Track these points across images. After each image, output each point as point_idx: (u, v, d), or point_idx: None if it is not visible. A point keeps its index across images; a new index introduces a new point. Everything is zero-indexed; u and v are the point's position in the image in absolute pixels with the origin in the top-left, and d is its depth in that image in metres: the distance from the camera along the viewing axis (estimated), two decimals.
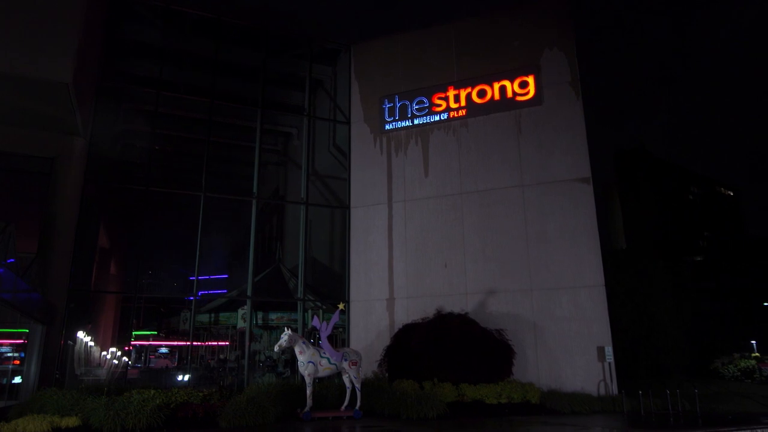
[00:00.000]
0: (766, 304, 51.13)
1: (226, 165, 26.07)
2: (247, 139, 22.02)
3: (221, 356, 25.42)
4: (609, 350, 16.77)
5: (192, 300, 19.13)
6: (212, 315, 22.03)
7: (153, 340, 31.86)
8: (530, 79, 19.72)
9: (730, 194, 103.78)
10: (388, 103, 21.45)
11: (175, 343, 29.50)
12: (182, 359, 26.70)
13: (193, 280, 18.82)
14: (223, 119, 23.04)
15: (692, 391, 13.89)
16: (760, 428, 12.20)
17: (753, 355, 25.39)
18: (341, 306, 15.15)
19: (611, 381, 16.54)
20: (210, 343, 26.05)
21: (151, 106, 20.26)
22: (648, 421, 12.76)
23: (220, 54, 21.34)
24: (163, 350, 31.65)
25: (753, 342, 26.74)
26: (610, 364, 16.68)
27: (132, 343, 32.00)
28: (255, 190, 20.53)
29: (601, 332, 17.09)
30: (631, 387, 14.80)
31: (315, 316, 15.29)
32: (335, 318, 14.65)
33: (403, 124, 21.12)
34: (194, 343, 20.65)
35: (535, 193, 18.88)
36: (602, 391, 16.45)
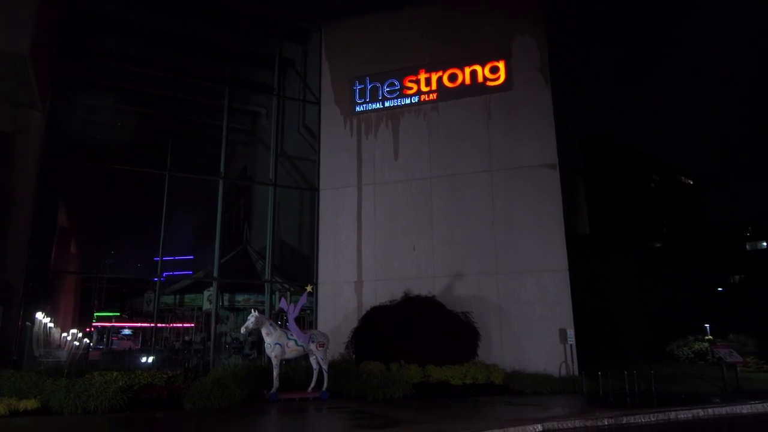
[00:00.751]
0: (720, 289, 53.27)
1: (192, 144, 25.52)
2: (215, 117, 21.56)
3: (186, 338, 25.13)
4: (571, 333, 17.22)
5: (156, 281, 18.77)
6: (177, 296, 21.70)
7: (115, 322, 31.25)
8: (501, 65, 19.81)
9: (690, 183, 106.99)
10: (359, 84, 21.26)
11: (139, 324, 29.01)
12: (146, 341, 26.29)
13: (158, 260, 18.46)
14: (190, 96, 22.49)
15: (649, 372, 14.40)
16: (710, 407, 12.77)
17: (706, 338, 26.44)
18: (309, 288, 15.12)
19: (572, 362, 17.01)
20: (175, 324, 25.71)
21: (114, 81, 19.58)
22: (606, 401, 13.20)
23: (187, 29, 20.74)
24: (126, 332, 31.11)
25: (707, 326, 27.83)
26: (571, 346, 17.13)
27: (93, 324, 31.34)
28: (222, 169, 20.17)
29: (564, 315, 17.52)
30: (592, 368, 15.26)
31: (282, 298, 15.24)
32: (303, 300, 14.60)
33: (374, 106, 21.00)
34: (158, 324, 20.36)
35: (503, 178, 19.09)
36: (563, 372, 16.92)
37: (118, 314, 31.27)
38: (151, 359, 18.84)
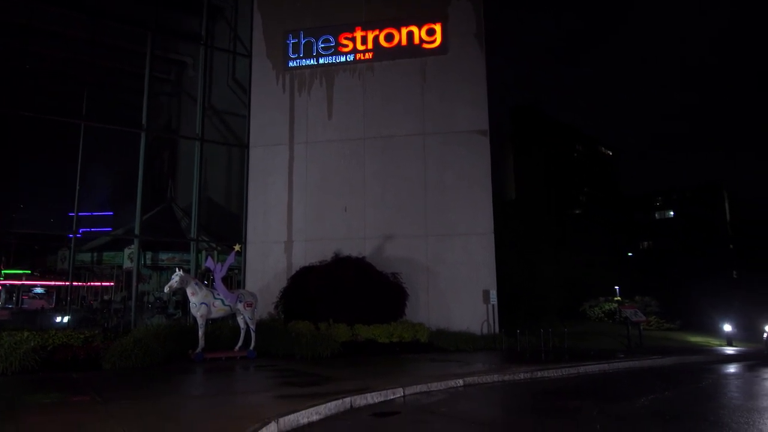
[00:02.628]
0: (630, 254, 57.17)
1: (111, 92, 23.85)
2: (137, 65, 20.15)
3: (105, 297, 24.09)
4: (493, 294, 17.98)
5: (71, 237, 17.71)
6: (95, 254, 20.62)
7: (26, 280, 29.41)
8: (437, 27, 19.73)
9: (609, 154, 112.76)
10: (293, 39, 20.55)
11: (53, 283, 27.45)
12: (61, 300, 24.96)
13: (73, 216, 17.39)
14: (110, 41, 20.90)
15: (562, 331, 15.36)
16: (615, 361, 13.87)
17: (615, 299, 28.46)
18: (237, 248, 14.82)
19: (494, 322, 17.83)
20: (93, 283, 24.53)
21: (25, 20, 17.81)
22: (522, 357, 14.00)
23: None
24: (38, 290, 29.39)
25: (617, 288, 29.91)
26: (493, 306, 17.92)
27: (1, 282, 29.37)
28: (144, 121, 19.05)
29: (488, 277, 18.22)
30: (512, 327, 16.08)
31: (209, 257, 14.84)
32: (230, 259, 14.32)
33: (308, 62, 20.42)
34: (74, 283, 19.32)
35: (436, 142, 19.29)
36: (485, 331, 17.72)
37: (29, 272, 29.41)
38: (66, 319, 17.94)
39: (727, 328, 19.94)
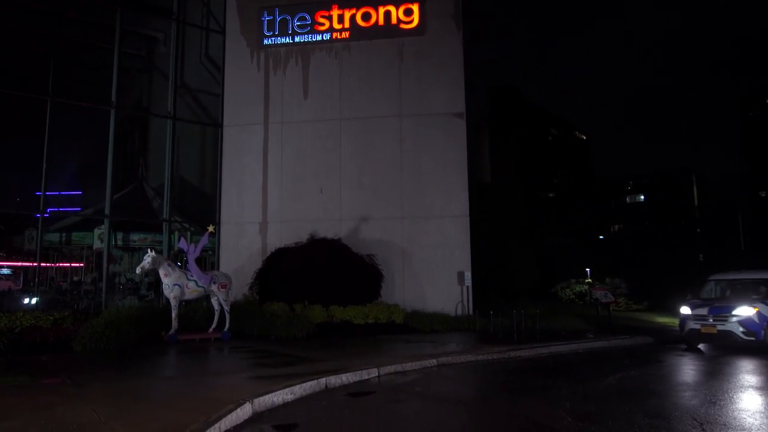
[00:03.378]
0: (601, 237, 58.24)
1: (79, 68, 23.08)
2: (106, 40, 19.51)
3: (75, 278, 23.60)
4: (468, 275, 18.17)
5: (39, 217, 17.24)
6: (64, 234, 20.12)
7: None
8: (415, 7, 19.55)
9: (583, 138, 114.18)
10: (268, 15, 20.14)
11: (20, 263, 26.77)
12: (29, 281, 24.38)
13: (40, 195, 16.91)
14: (77, 15, 20.17)
15: (534, 312, 15.65)
16: (584, 342, 14.22)
17: (586, 281, 29.07)
18: (211, 228, 14.64)
19: (468, 302, 18.06)
20: (62, 264, 23.99)
21: None
22: (496, 337, 14.23)
23: None
24: (5, 271, 28.64)
25: (587, 270, 30.53)
26: (468, 287, 18.13)
27: None
28: (114, 98, 18.51)
29: (463, 259, 18.40)
30: (485, 308, 16.29)
31: (182, 238, 14.66)
32: (204, 240, 14.14)
33: (283, 40, 20.07)
34: (42, 264, 18.87)
35: (412, 124, 19.23)
36: (459, 312, 17.94)
37: None
38: (35, 301, 17.54)
39: None
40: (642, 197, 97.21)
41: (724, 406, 7.26)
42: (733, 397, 7.90)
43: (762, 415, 6.93)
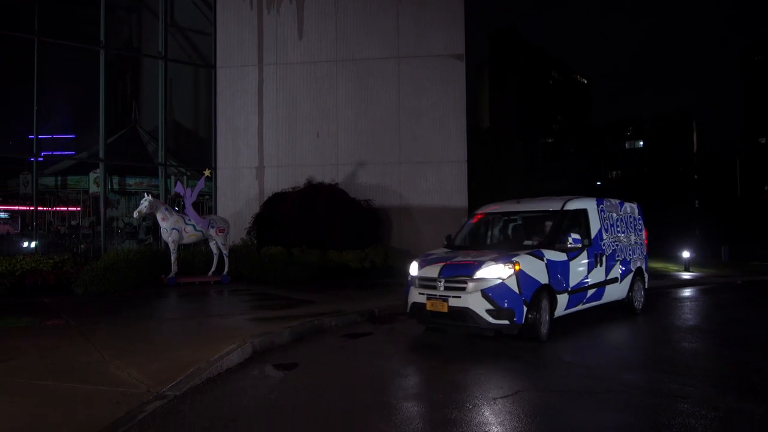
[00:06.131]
0: (599, 183, 58.32)
1: (66, 5, 22.23)
2: None
3: (73, 222, 23.62)
4: (465, 220, 18.21)
5: (33, 161, 17.07)
6: (59, 178, 19.98)
7: None
8: None
9: (584, 82, 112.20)
10: None
11: (16, 207, 26.69)
12: (26, 225, 24.42)
13: (32, 138, 16.67)
14: None
15: None
16: None
17: None
18: (207, 173, 14.60)
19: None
20: (59, 208, 23.94)
21: None
22: None
23: None
24: (2, 215, 28.62)
25: None
26: None
27: None
28: (102, 38, 17.95)
29: (460, 204, 18.43)
30: None
31: (178, 182, 14.61)
32: (200, 185, 14.11)
33: None
34: (39, 208, 18.82)
35: (411, 67, 18.79)
36: None
37: None
38: (33, 244, 17.63)
39: (686, 254, 20.83)
40: (641, 143, 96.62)
41: None
42: None
43: None
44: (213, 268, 13.95)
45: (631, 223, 10.51)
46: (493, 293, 7.27)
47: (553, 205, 9.01)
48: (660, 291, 14.44)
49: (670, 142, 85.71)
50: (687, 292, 14.73)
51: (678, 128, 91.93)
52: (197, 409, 4.82)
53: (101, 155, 17.84)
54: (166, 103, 19.25)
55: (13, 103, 21.07)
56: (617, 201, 10.39)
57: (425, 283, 7.92)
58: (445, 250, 8.92)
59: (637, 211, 10.98)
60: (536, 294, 7.48)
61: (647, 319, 10.00)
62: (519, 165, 30.16)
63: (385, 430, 4.37)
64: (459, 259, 7.97)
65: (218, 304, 11.37)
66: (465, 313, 7.39)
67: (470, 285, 7.41)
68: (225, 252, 13.89)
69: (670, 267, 21.44)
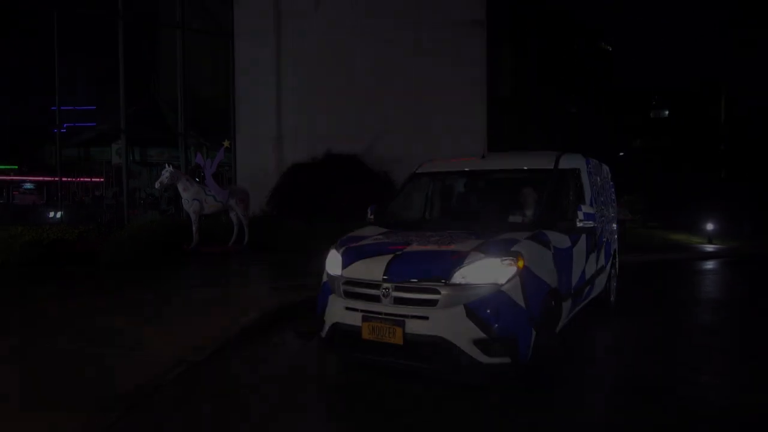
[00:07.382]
0: (621, 154, 57.21)
1: None
2: None
3: (97, 193, 24.05)
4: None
5: (56, 132, 17.30)
6: (82, 149, 20.29)
7: (14, 175, 29.13)
8: None
9: (609, 50, 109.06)
10: None
11: (42, 178, 27.24)
12: (51, 196, 24.93)
13: (55, 110, 16.86)
14: None
15: None
16: None
17: None
18: (226, 143, 14.64)
19: None
20: (82, 179, 24.36)
21: None
22: None
23: None
24: (28, 185, 29.26)
25: None
26: None
27: None
28: (120, 7, 17.92)
29: None
30: None
31: (198, 154, 14.72)
32: (220, 156, 14.19)
33: None
34: (64, 179, 19.17)
35: (430, 33, 18.40)
36: None
37: (16, 167, 29.05)
38: (59, 214, 18.03)
39: (709, 226, 20.44)
40: (666, 112, 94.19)
41: None
42: None
43: None
44: (234, 238, 14.12)
45: (609, 190, 8.03)
46: (484, 309, 4.14)
47: (541, 162, 6.02)
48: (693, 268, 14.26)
49: (698, 110, 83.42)
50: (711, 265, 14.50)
51: (706, 93, 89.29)
52: (221, 375, 4.94)
53: (122, 126, 17.99)
54: (185, 73, 19.25)
55: (34, 76, 21.30)
56: (597, 161, 7.59)
57: (357, 290, 4.69)
58: (381, 229, 5.80)
59: (610, 175, 8.33)
60: (545, 306, 4.54)
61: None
62: (542, 135, 29.71)
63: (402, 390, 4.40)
64: (415, 246, 4.74)
65: (240, 273, 11.54)
66: (437, 347, 4.20)
67: (444, 295, 4.23)
68: (245, 222, 14.02)
69: (693, 239, 21.10)
